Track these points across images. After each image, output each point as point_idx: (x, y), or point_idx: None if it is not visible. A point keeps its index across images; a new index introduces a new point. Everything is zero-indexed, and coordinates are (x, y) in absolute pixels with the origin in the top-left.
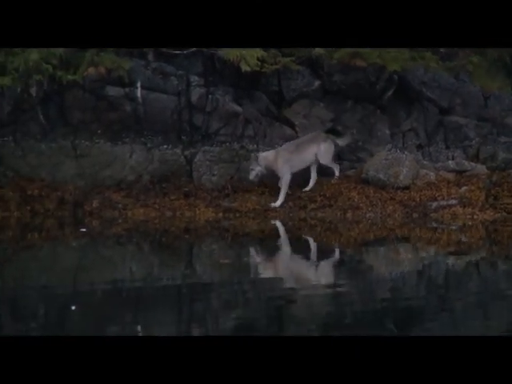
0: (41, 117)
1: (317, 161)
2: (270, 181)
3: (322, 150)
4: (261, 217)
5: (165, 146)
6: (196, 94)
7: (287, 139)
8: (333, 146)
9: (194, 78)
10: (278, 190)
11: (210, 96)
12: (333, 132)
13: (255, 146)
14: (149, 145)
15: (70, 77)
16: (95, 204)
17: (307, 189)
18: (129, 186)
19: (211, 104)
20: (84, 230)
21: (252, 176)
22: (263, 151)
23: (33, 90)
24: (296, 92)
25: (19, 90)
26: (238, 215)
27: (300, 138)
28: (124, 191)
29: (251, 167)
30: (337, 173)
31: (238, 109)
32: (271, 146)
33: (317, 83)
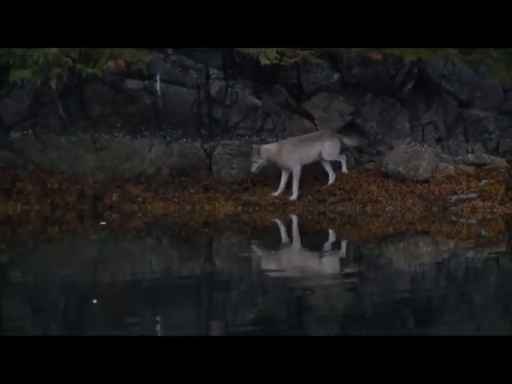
0: (60, 110)
1: (322, 158)
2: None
3: (326, 148)
4: (280, 210)
5: (184, 140)
6: (215, 87)
7: (306, 132)
8: (338, 144)
9: (214, 71)
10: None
11: (229, 89)
12: (352, 126)
13: (274, 139)
14: (168, 138)
15: (89, 70)
16: (115, 197)
17: (329, 184)
18: (148, 180)
19: (230, 97)
20: (104, 223)
21: (254, 168)
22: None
23: (52, 84)
24: (315, 85)
25: (39, 83)
26: (257, 209)
27: (305, 135)
28: (143, 185)
29: (253, 160)
30: (344, 167)
31: (258, 102)
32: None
33: (336, 76)
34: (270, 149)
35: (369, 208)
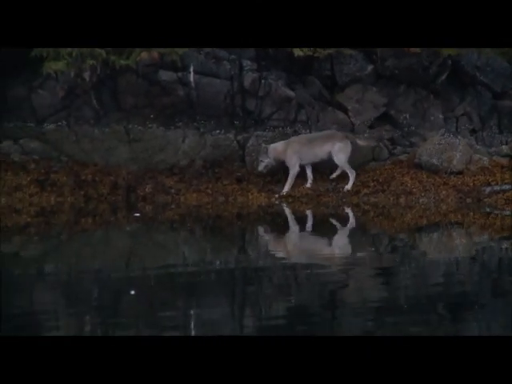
0: (94, 101)
1: (330, 159)
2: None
3: (336, 150)
4: (313, 202)
5: (217, 131)
6: (249, 78)
7: (340, 124)
8: (349, 147)
9: (247, 63)
10: (326, 174)
11: (262, 81)
12: (385, 117)
13: (308, 130)
14: (201, 129)
15: (123, 61)
16: (148, 189)
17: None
18: (181, 171)
19: (264, 89)
20: (138, 214)
21: (261, 167)
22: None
23: (86, 75)
24: (349, 76)
25: (73, 74)
26: (290, 200)
27: (316, 132)
28: (177, 176)
29: (260, 159)
30: (351, 179)
31: (291, 93)
32: (324, 130)
33: (370, 68)
34: (276, 148)
35: (402, 199)
